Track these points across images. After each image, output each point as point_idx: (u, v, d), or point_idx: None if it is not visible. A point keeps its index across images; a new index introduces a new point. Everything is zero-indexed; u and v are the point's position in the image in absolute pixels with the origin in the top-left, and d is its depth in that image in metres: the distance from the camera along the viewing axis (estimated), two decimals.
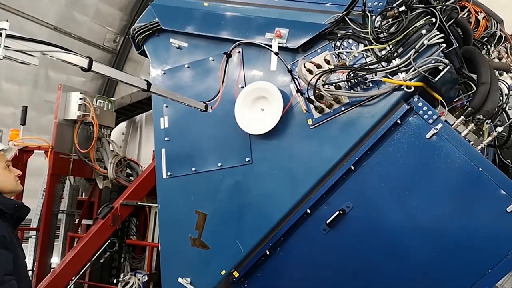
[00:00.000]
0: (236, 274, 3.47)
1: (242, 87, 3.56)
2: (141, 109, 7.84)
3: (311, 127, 3.34)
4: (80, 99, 6.48)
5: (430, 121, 3.02)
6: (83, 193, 7.86)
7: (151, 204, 6.20)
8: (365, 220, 3.16)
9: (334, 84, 3.18)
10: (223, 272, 3.47)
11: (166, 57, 3.96)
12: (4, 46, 2.04)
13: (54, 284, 5.50)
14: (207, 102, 3.45)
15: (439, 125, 3.00)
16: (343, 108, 3.24)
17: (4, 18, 2.06)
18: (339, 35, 3.23)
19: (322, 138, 3.30)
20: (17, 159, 6.75)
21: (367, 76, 3.09)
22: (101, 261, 6.10)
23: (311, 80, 3.19)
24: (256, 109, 3.51)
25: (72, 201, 7.17)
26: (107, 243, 5.98)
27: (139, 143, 8.07)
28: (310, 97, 3.32)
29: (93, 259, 5.92)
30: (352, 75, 3.10)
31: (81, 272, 5.85)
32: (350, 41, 3.20)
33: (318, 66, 3.27)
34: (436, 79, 2.91)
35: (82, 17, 9.85)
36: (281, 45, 3.33)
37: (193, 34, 3.85)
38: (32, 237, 7.54)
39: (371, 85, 3.12)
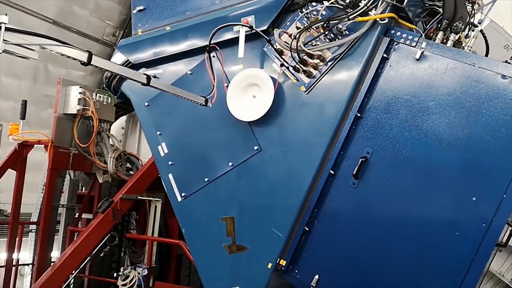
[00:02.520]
0: (283, 262, 3.38)
1: (227, 86, 3.57)
2: None
3: (306, 93, 3.39)
4: (80, 93, 6.47)
5: (414, 44, 3.14)
6: (83, 187, 7.87)
7: (151, 198, 6.21)
8: (389, 158, 3.19)
9: (314, 44, 3.25)
10: (269, 265, 3.38)
11: (145, 91, 3.94)
12: (4, 40, 2.03)
13: (54, 278, 5.52)
14: (207, 96, 3.45)
15: (424, 44, 3.12)
16: (329, 64, 3.31)
17: (3, 12, 2.05)
18: (301, 3, 3.34)
19: (319, 99, 3.35)
20: (17, 153, 6.75)
21: (340, 26, 3.21)
22: (101, 255, 6.12)
23: (292, 41, 3.25)
24: (248, 96, 3.54)
25: (72, 195, 7.18)
26: (107, 237, 6.00)
27: (139, 137, 8.07)
28: (296, 66, 3.34)
29: (93, 253, 5.93)
30: (327, 27, 3.22)
31: (81, 266, 5.86)
32: (314, 3, 3.30)
33: (290, 38, 3.36)
34: (404, 3, 3.06)
35: (81, 11, 9.81)
36: (251, 32, 3.41)
37: (164, 57, 3.86)
38: (32, 231, 7.56)
39: (347, 33, 3.23)
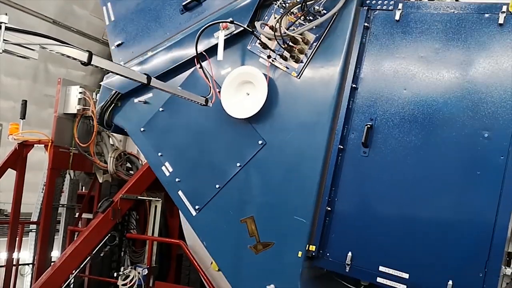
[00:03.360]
0: (312, 248, 3.34)
1: (220, 91, 3.59)
2: None
3: (298, 77, 3.43)
4: (80, 93, 6.46)
5: (390, 7, 3.25)
6: (83, 187, 7.87)
7: (151, 198, 6.21)
8: (393, 120, 3.25)
9: (294, 30, 3.33)
10: (299, 254, 3.34)
11: (138, 118, 3.97)
12: (4, 39, 2.03)
13: (55, 277, 5.51)
14: (207, 97, 3.45)
15: (400, 5, 3.23)
16: (314, 45, 3.38)
17: (3, 12, 2.04)
18: None
19: (312, 80, 3.40)
20: (17, 153, 6.75)
21: (317, 7, 3.32)
22: (101, 255, 6.12)
23: (275, 28, 3.30)
24: (242, 95, 3.56)
25: (72, 195, 7.18)
26: (107, 237, 6.00)
27: None
28: (283, 55, 3.40)
29: (93, 253, 5.93)
30: (304, 9, 3.32)
31: (81, 266, 5.86)
32: None
33: (272, 28, 3.39)
34: None
35: (81, 11, 9.82)
36: (231, 34, 3.53)
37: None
38: (33, 231, 7.57)
39: (325, 12, 3.33)
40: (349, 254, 3.26)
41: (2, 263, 6.96)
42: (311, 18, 3.35)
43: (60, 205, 7.03)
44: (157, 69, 3.86)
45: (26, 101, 7.02)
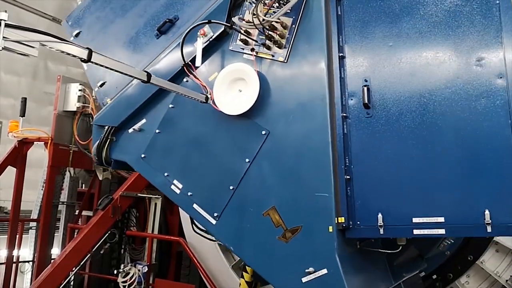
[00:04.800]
0: (341, 219, 3.26)
1: (212, 97, 3.63)
2: None
3: (285, 61, 3.46)
4: (80, 90, 6.48)
5: None
6: (83, 185, 7.88)
7: (151, 196, 6.22)
8: (387, 75, 3.28)
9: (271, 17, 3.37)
10: (331, 229, 3.24)
11: (137, 146, 3.92)
12: (3, 37, 2.02)
13: (55, 275, 5.52)
14: (207, 94, 3.46)
15: None
16: (293, 27, 3.43)
17: (2, 9, 2.04)
18: None
19: (300, 60, 3.43)
20: (16, 150, 6.75)
21: None
22: (101, 252, 6.14)
23: (253, 17, 3.33)
24: (235, 92, 3.59)
25: (72, 192, 7.19)
26: (107, 234, 6.01)
27: None
28: (266, 44, 3.45)
29: (93, 250, 5.95)
30: None
31: (81, 263, 5.88)
32: None
33: (249, 21, 3.43)
34: None
35: None
36: (210, 39, 3.59)
37: (143, 105, 3.90)
38: (33, 228, 7.57)
39: None
40: (379, 215, 3.22)
41: (2, 261, 6.97)
42: (283, 3, 3.40)
43: (60, 203, 7.04)
44: (147, 93, 3.91)
45: (26, 98, 7.02)
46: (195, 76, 3.48)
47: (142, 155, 3.87)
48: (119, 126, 3.97)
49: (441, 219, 3.10)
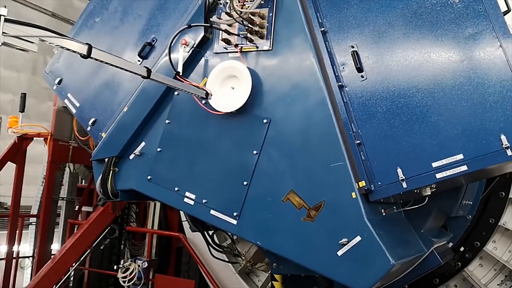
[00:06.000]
0: (362, 183, 3.25)
1: (204, 102, 3.63)
2: None
3: (270, 49, 3.51)
4: None
5: None
6: (83, 180, 7.88)
7: None
8: (372, 36, 3.40)
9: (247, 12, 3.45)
10: (353, 195, 3.23)
11: (141, 170, 3.87)
12: (3, 32, 2.02)
13: (55, 270, 5.53)
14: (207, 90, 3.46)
15: None
16: (270, 15, 3.53)
17: (2, 4, 2.04)
18: None
19: (286, 44, 3.50)
20: (16, 146, 6.75)
21: None
22: (101, 247, 6.15)
23: (229, 6, 3.42)
24: (227, 89, 3.62)
25: (72, 188, 7.19)
26: (107, 229, 6.01)
27: None
28: (248, 37, 3.51)
29: (93, 245, 5.96)
30: None
31: (81, 259, 5.89)
32: None
33: (228, 14, 3.51)
34: None
35: (80, 3, 9.79)
36: (193, 47, 3.69)
37: (138, 129, 3.90)
38: (33, 224, 7.58)
39: None
40: (399, 170, 3.24)
41: (3, 256, 6.98)
42: None
43: (60, 198, 7.04)
44: (140, 116, 3.92)
45: (25, 94, 7.00)
46: (187, 81, 3.50)
47: (148, 177, 3.82)
48: (120, 155, 3.95)
49: (460, 156, 3.11)
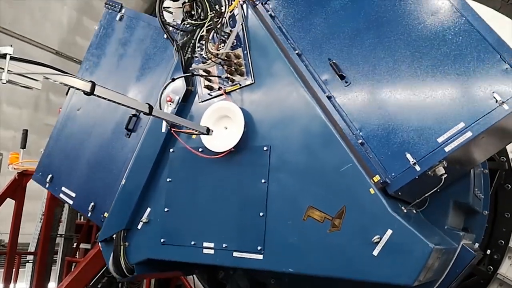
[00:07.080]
0: (376, 178, 3.24)
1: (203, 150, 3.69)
2: None
3: (253, 82, 3.64)
4: None
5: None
6: (82, 217, 7.81)
7: None
8: (345, 45, 3.64)
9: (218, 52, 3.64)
10: (372, 191, 3.19)
11: (152, 237, 3.79)
12: (8, 70, 2.06)
13: None
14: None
15: None
16: (245, 52, 3.69)
17: (7, 43, 2.08)
18: (190, 48, 3.92)
19: (266, 75, 3.65)
20: (16, 182, 6.73)
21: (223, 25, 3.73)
22: (99, 286, 6.03)
23: (205, 50, 3.65)
24: (221, 130, 3.66)
25: (71, 224, 7.13)
26: (105, 267, 5.91)
27: None
28: (229, 77, 3.67)
29: (90, 284, 5.84)
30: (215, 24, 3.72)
31: None
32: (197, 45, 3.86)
33: (206, 56, 3.73)
34: None
35: (83, 41, 9.96)
36: (179, 103, 3.82)
37: (141, 196, 3.98)
38: (29, 261, 7.47)
39: (231, 23, 3.76)
40: (408, 155, 3.28)
41: None
42: (226, 38, 3.67)
43: (58, 235, 6.96)
44: (137, 187, 3.95)
45: (27, 130, 7.05)
46: (182, 131, 3.62)
47: (162, 240, 3.76)
48: (127, 227, 3.92)
49: (462, 125, 3.18)
